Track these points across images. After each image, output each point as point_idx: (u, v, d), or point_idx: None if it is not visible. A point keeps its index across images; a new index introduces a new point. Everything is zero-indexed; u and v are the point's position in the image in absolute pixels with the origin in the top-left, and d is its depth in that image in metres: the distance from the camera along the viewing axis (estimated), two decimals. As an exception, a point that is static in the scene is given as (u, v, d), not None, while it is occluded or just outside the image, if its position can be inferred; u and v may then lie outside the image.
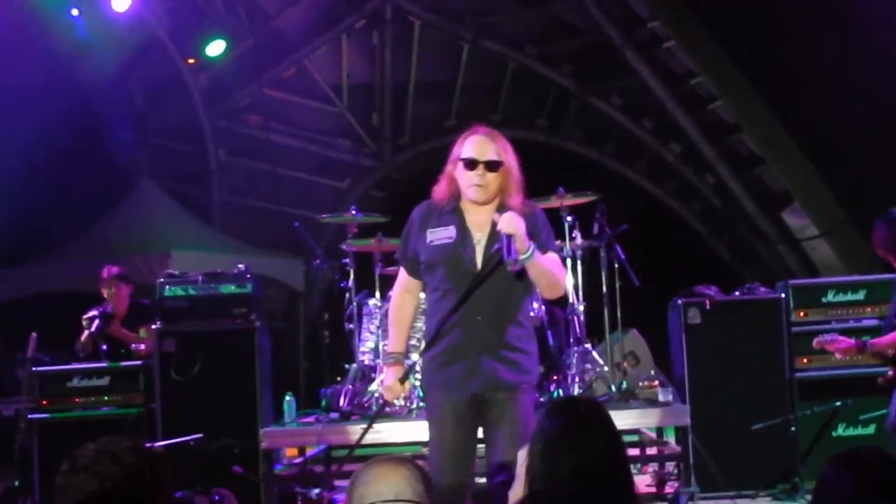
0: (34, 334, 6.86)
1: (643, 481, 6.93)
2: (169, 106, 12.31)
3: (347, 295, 7.43)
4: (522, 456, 2.96)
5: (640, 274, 7.56)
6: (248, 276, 7.11)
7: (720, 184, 12.73)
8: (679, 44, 11.81)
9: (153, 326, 6.95)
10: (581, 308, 7.43)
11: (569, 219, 7.39)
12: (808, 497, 6.39)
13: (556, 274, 4.46)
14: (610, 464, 2.80)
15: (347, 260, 7.47)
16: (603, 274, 7.54)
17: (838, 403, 6.79)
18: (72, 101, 10.61)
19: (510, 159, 4.46)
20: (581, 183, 7.69)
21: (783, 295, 7.08)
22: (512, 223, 4.24)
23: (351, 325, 7.40)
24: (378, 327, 7.19)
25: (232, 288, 7.05)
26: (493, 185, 4.41)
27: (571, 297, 7.42)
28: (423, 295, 4.78)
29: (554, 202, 7.36)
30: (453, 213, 4.50)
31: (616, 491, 2.79)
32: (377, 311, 7.27)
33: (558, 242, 7.45)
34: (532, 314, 7.00)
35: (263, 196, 12.63)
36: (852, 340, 5.89)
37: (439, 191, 4.55)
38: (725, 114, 12.21)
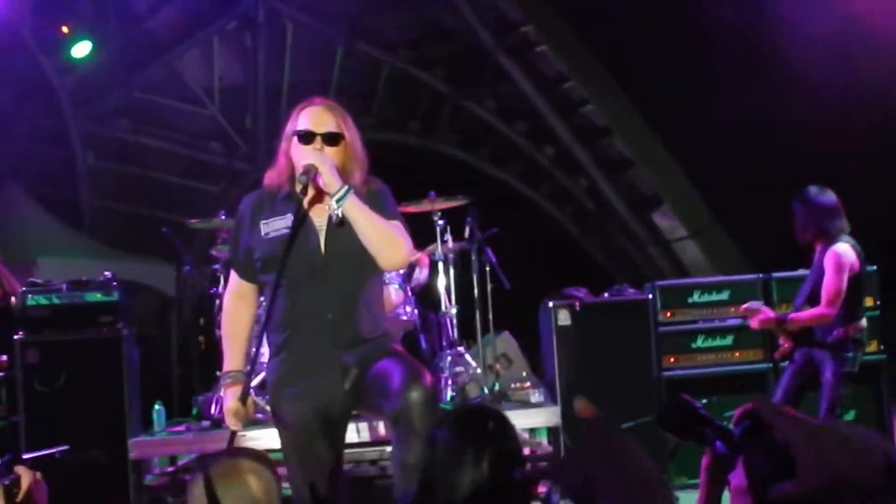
0: None
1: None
2: (35, 108, 11.99)
3: (218, 301, 7.33)
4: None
5: (515, 277, 7.62)
6: (115, 283, 6.94)
7: (593, 186, 12.92)
8: (550, 48, 11.95)
9: (15, 337, 6.77)
10: (453, 311, 7.46)
11: (440, 222, 7.43)
12: (677, 494, 6.51)
13: (389, 230, 3.99)
14: (513, 478, 2.66)
15: (217, 266, 7.36)
16: (475, 277, 7.58)
17: (704, 401, 6.93)
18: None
19: (352, 133, 4.11)
20: (455, 186, 7.72)
21: (650, 296, 7.22)
22: (316, 157, 3.96)
23: (220, 332, 7.29)
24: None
25: (98, 296, 6.88)
26: (334, 161, 4.00)
27: (444, 301, 7.46)
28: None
29: (426, 206, 7.39)
30: (289, 198, 4.05)
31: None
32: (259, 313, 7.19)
33: (431, 247, 7.50)
34: (405, 318, 7.04)
35: (135, 201, 12.40)
36: (773, 313, 6.20)
37: (271, 175, 4.13)
38: (597, 117, 12.40)
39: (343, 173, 4.01)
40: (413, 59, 12.80)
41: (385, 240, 3.98)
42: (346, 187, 3.93)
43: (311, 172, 3.94)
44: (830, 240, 6.12)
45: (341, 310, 4.03)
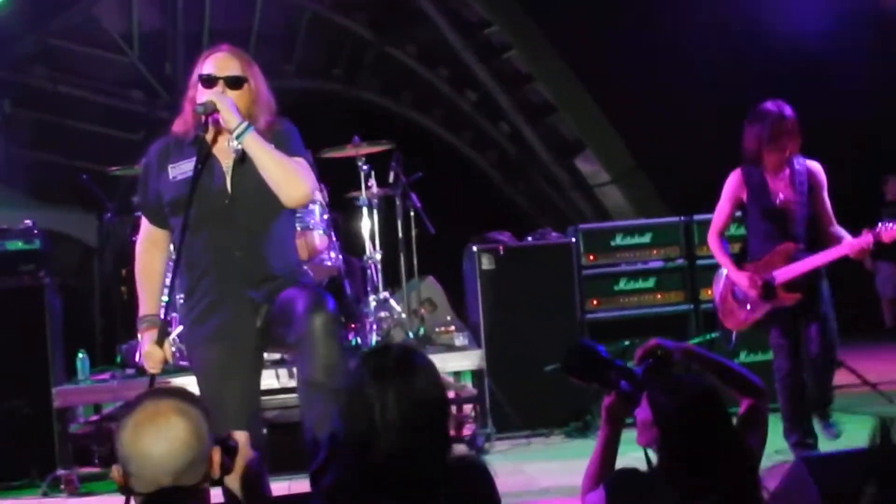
0: None
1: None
2: (-52, 56, 11.72)
3: (140, 249, 7.26)
4: None
5: (438, 222, 7.66)
6: (36, 231, 6.87)
7: (515, 132, 12.96)
8: (471, -7, 11.93)
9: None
10: (377, 257, 7.48)
11: (364, 167, 7.42)
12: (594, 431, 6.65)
13: (290, 166, 3.99)
14: (434, 413, 2.57)
15: (139, 213, 7.28)
16: (399, 222, 7.60)
17: (627, 343, 7.05)
18: None
19: (256, 79, 4.12)
20: (379, 133, 7.73)
21: (573, 239, 7.30)
22: (215, 96, 3.97)
23: (139, 281, 7.25)
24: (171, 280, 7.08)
25: (18, 244, 6.81)
26: (238, 105, 4.00)
27: (368, 246, 7.47)
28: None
29: (349, 151, 7.38)
30: (195, 143, 4.01)
31: (438, 445, 2.59)
32: (170, 264, 7.14)
33: (356, 192, 7.50)
34: (329, 263, 7.05)
35: (54, 150, 12.18)
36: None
37: (179, 122, 4.12)
38: (519, 63, 12.42)
39: (247, 117, 4.02)
40: (334, 5, 12.69)
41: (285, 175, 3.99)
42: (245, 123, 3.95)
43: (209, 107, 3.95)
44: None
45: (249, 248, 4.06)
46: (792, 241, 5.50)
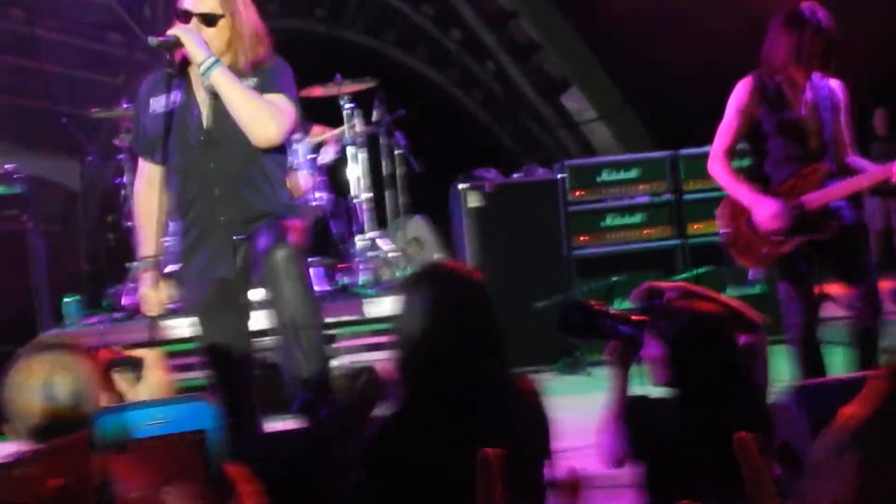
0: None
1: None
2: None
3: (123, 192, 7.23)
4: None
5: (425, 162, 7.63)
6: (17, 176, 6.83)
7: (501, 71, 12.87)
8: (455, -72, 11.81)
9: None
10: (364, 196, 7.44)
11: (348, 106, 7.37)
12: (589, 370, 6.65)
13: (258, 104, 3.95)
14: (492, 340, 2.64)
15: (122, 156, 7.25)
16: (384, 161, 7.56)
17: (614, 279, 7.05)
18: None
19: (240, 13, 4.03)
20: (363, 72, 7.66)
21: (560, 175, 7.26)
22: (180, 29, 3.92)
23: (130, 223, 7.20)
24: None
25: (1, 189, 6.77)
26: (214, 42, 3.96)
27: (354, 185, 7.43)
28: None
29: (332, 89, 7.32)
30: (179, 76, 4.01)
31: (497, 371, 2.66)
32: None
33: (339, 130, 7.43)
34: (315, 203, 7.01)
35: (32, 94, 12.04)
36: None
37: (166, 57, 4.03)
38: (504, 0, 12.31)
39: (223, 54, 3.98)
40: (317, -58, 12.55)
41: (253, 114, 3.95)
42: (211, 59, 3.90)
43: (169, 41, 3.91)
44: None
45: (229, 186, 4.05)
46: (818, 162, 4.65)
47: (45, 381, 2.36)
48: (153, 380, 2.51)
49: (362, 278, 7.15)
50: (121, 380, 2.49)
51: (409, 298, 2.65)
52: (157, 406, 2.03)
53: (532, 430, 2.66)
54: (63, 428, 2.35)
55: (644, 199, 7.35)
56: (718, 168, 4.76)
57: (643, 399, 2.99)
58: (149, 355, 2.54)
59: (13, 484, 2.18)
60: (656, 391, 2.99)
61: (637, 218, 7.35)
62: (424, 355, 2.56)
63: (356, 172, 7.44)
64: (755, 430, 2.56)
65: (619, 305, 7.29)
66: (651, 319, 2.99)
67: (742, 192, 4.70)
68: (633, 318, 3.04)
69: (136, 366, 2.51)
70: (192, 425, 2.03)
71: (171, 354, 5.50)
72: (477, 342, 2.56)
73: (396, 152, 7.58)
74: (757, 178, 4.76)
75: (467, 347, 2.54)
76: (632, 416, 2.93)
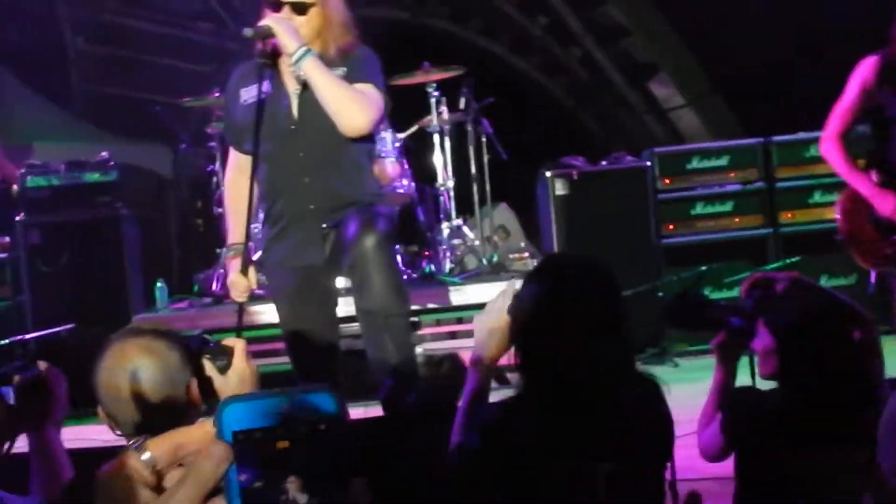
0: None
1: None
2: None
3: (215, 179, 7.33)
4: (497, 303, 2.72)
5: (510, 149, 7.60)
6: (112, 163, 6.98)
7: (587, 56, 12.78)
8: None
9: (17, 218, 6.80)
10: (450, 183, 7.44)
11: (435, 94, 7.37)
12: (676, 360, 6.59)
13: (348, 93, 3.98)
14: (618, 320, 2.60)
15: (213, 144, 7.35)
16: (471, 148, 7.56)
17: (703, 268, 6.96)
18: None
19: (330, 2, 4.07)
20: (448, 59, 7.66)
21: (649, 163, 7.19)
22: (272, 20, 3.96)
23: (220, 210, 7.30)
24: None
25: (96, 176, 6.92)
26: (303, 30, 3.99)
27: (440, 173, 7.44)
28: None
29: (419, 77, 7.33)
30: (257, 68, 4.04)
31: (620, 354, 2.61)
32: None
33: (428, 118, 7.44)
34: (401, 191, 7.03)
35: (125, 83, 12.26)
36: None
37: (258, 47, 4.07)
38: (591, -15, 12.22)
39: (314, 42, 4.00)
40: (403, -69, 12.56)
41: (342, 103, 3.98)
42: (303, 49, 3.92)
43: (261, 31, 3.95)
44: None
45: (318, 174, 4.09)
46: None
47: (135, 365, 2.40)
48: (240, 369, 2.54)
49: (447, 266, 7.16)
50: (209, 367, 2.52)
51: (534, 287, 2.62)
52: (280, 396, 2.04)
53: (654, 429, 2.62)
54: (151, 413, 2.39)
55: (735, 187, 7.23)
56: (833, 152, 4.46)
57: (750, 390, 2.94)
58: (237, 344, 2.57)
59: (135, 471, 2.22)
60: (764, 384, 2.94)
61: (727, 206, 7.23)
62: (546, 345, 2.54)
63: (442, 160, 7.45)
64: (869, 426, 2.51)
65: (711, 295, 7.23)
66: (763, 311, 2.94)
67: (860, 181, 4.39)
68: (745, 309, 2.99)
69: (224, 354, 2.54)
70: (316, 416, 2.04)
71: (258, 340, 5.62)
72: (601, 334, 2.53)
73: (483, 140, 7.56)
74: (879, 165, 4.42)
75: (592, 339, 2.52)
76: (737, 408, 2.87)
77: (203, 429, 2.24)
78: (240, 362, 2.53)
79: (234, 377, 2.52)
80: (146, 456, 2.24)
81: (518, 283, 2.66)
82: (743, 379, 3.06)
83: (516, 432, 2.51)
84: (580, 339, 2.51)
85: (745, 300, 3.04)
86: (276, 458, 2.00)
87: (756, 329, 2.90)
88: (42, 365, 2.71)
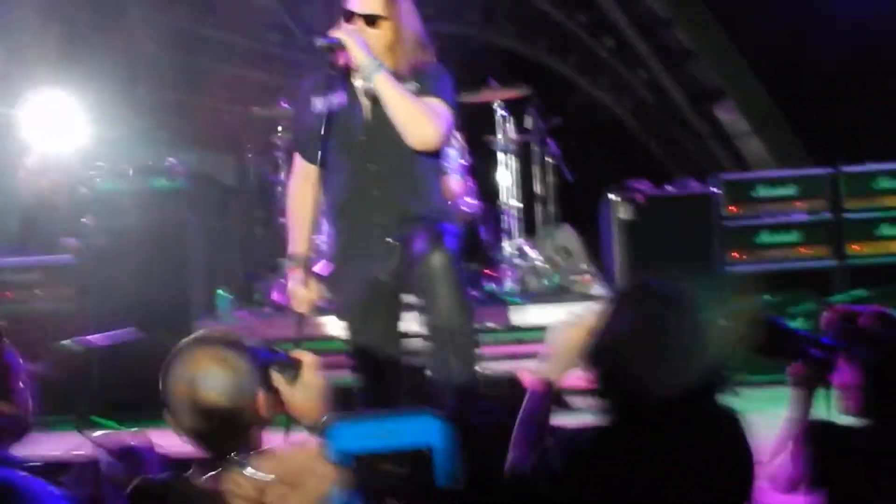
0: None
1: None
2: (93, -1, 11.97)
3: (280, 189, 7.37)
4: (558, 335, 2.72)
5: (574, 169, 7.58)
6: (179, 170, 7.03)
7: (653, 79, 12.72)
8: (613, -63, 11.72)
9: (85, 221, 6.87)
10: (514, 203, 7.43)
11: (501, 113, 7.37)
12: (738, 389, 6.50)
13: (417, 108, 3.99)
14: (703, 354, 2.55)
15: (279, 153, 7.39)
16: (536, 169, 7.54)
17: (768, 297, 6.88)
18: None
19: (402, 15, 4.08)
20: (515, 78, 7.66)
21: (714, 190, 7.13)
22: (345, 33, 3.97)
23: (283, 219, 7.33)
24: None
25: (163, 182, 6.98)
26: (375, 43, 4.00)
27: (504, 192, 7.43)
28: None
29: (485, 95, 7.33)
30: (342, 78, 4.08)
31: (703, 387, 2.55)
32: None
33: (493, 137, 7.45)
34: (465, 209, 7.03)
35: (193, 90, 12.39)
36: None
37: (330, 58, 4.07)
38: (659, 8, 12.16)
39: (385, 55, 4.01)
40: (472, -50, 12.58)
41: (411, 118, 3.98)
42: (375, 63, 3.93)
43: (334, 43, 3.95)
44: None
45: (387, 187, 4.08)
46: None
47: (205, 373, 2.41)
48: (310, 381, 2.53)
49: (508, 285, 7.14)
50: (278, 379, 2.52)
51: (620, 312, 2.59)
52: (385, 420, 2.03)
53: (739, 461, 2.58)
54: (219, 422, 2.40)
55: (801, 217, 7.15)
56: None
57: (828, 425, 2.88)
58: (306, 357, 2.57)
59: (238, 486, 2.22)
60: (842, 419, 2.89)
61: (793, 236, 7.15)
62: (631, 374, 2.50)
63: (506, 179, 7.44)
64: None
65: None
66: (845, 344, 2.89)
67: None
68: (826, 342, 2.94)
69: (294, 366, 2.54)
70: (420, 441, 2.04)
71: (318, 352, 5.63)
72: (687, 365, 2.50)
73: (548, 160, 7.54)
74: None
75: (677, 367, 2.48)
76: (814, 442, 2.82)
77: (307, 447, 2.24)
78: (309, 375, 2.53)
79: (303, 389, 2.52)
80: (249, 471, 2.24)
81: (599, 307, 2.63)
82: (818, 411, 3.01)
83: (606, 463, 2.47)
84: (665, 367, 2.47)
85: (826, 332, 2.99)
86: (380, 481, 1.99)
87: (836, 362, 2.85)
88: (301, 356, 2.64)
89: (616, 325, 2.55)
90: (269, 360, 2.54)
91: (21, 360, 2.64)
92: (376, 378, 4.21)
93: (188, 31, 12.27)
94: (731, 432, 2.57)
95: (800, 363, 2.97)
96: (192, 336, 2.57)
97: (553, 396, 2.77)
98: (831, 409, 2.92)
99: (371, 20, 4.04)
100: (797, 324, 6.92)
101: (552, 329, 2.78)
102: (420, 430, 2.03)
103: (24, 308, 6.79)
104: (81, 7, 11.67)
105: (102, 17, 11.94)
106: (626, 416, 2.49)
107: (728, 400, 2.57)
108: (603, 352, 2.55)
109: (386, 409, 4.12)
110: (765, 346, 3.02)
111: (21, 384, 2.62)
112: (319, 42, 4.03)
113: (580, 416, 2.74)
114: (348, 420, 2.10)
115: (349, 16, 4.05)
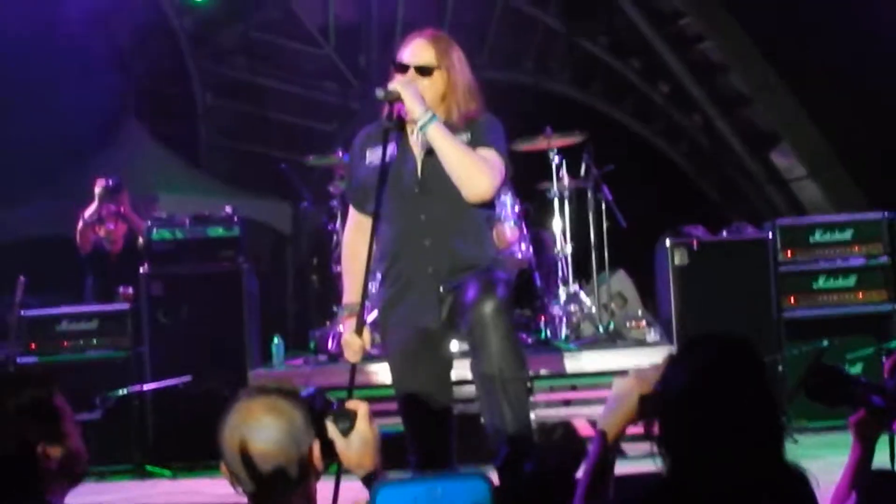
0: (22, 278, 6.86)
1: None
2: (155, 48, 12.19)
3: (335, 237, 7.41)
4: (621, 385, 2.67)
5: (628, 214, 7.56)
6: (236, 218, 7.10)
7: (708, 123, 12.70)
8: (667, -18, 11.75)
9: (140, 270, 6.95)
10: (568, 249, 7.42)
11: (556, 159, 7.38)
12: (796, 436, 6.43)
13: (471, 159, 3.98)
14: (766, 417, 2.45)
15: (335, 202, 7.44)
16: (590, 214, 7.53)
17: (825, 343, 6.79)
18: (57, 42, 10.50)
19: (454, 66, 4.10)
20: (568, 124, 7.67)
21: (770, 235, 7.06)
22: (400, 84, 3.98)
23: (339, 268, 7.37)
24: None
25: (219, 231, 7.04)
26: (428, 94, 4.02)
27: (559, 239, 7.42)
28: None
29: (541, 143, 7.36)
30: (382, 131, 4.04)
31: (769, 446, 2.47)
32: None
33: (547, 184, 7.45)
34: (519, 255, 7.03)
35: (250, 139, 12.56)
36: None
37: (384, 109, 4.10)
38: (714, 53, 12.16)
39: (438, 106, 4.04)
40: (527, -4, 12.68)
41: (465, 170, 3.98)
42: (429, 114, 3.95)
43: (390, 94, 3.97)
44: None
45: (438, 237, 4.08)
46: None
47: (261, 423, 2.41)
48: (363, 432, 2.53)
49: (563, 332, 7.11)
50: (332, 430, 2.52)
51: (681, 367, 2.56)
52: (433, 480, 2.03)
53: None
54: (274, 472, 2.40)
55: (859, 262, 7.06)
56: None
57: (891, 474, 2.82)
58: (360, 407, 2.56)
59: None
60: None
61: (851, 281, 7.06)
62: (693, 427, 2.46)
63: (561, 225, 7.44)
64: None
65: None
66: None
67: None
68: (889, 388, 2.89)
69: (348, 417, 2.54)
70: (468, 502, 2.03)
71: (371, 399, 5.64)
72: (751, 418, 2.45)
73: (602, 206, 7.53)
74: None
75: (741, 423, 2.44)
76: (876, 491, 2.75)
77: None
78: (363, 426, 2.53)
79: (357, 440, 2.51)
80: None
81: (662, 358, 2.60)
82: (880, 459, 2.95)
83: None
84: (730, 423, 2.43)
85: (889, 379, 2.93)
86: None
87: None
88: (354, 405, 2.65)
89: (679, 377, 2.52)
90: (323, 409, 2.54)
91: (70, 407, 2.66)
92: (425, 426, 4.21)
93: (245, 81, 12.46)
94: (797, 491, 2.52)
95: (862, 411, 2.92)
96: (249, 387, 2.57)
97: (615, 449, 2.74)
98: (895, 457, 2.86)
99: (424, 71, 4.06)
100: (856, 369, 6.85)
101: (615, 382, 2.75)
102: (469, 494, 2.01)
103: (80, 357, 6.86)
104: (142, 57, 11.92)
105: (162, 68, 12.18)
106: (689, 468, 2.45)
107: (790, 451, 2.50)
108: (666, 404, 2.52)
109: (436, 457, 4.12)
110: (826, 394, 2.97)
111: (73, 429, 2.63)
112: (378, 92, 4.05)
113: (641, 465, 2.68)
114: (398, 481, 2.08)
115: (402, 67, 4.10)
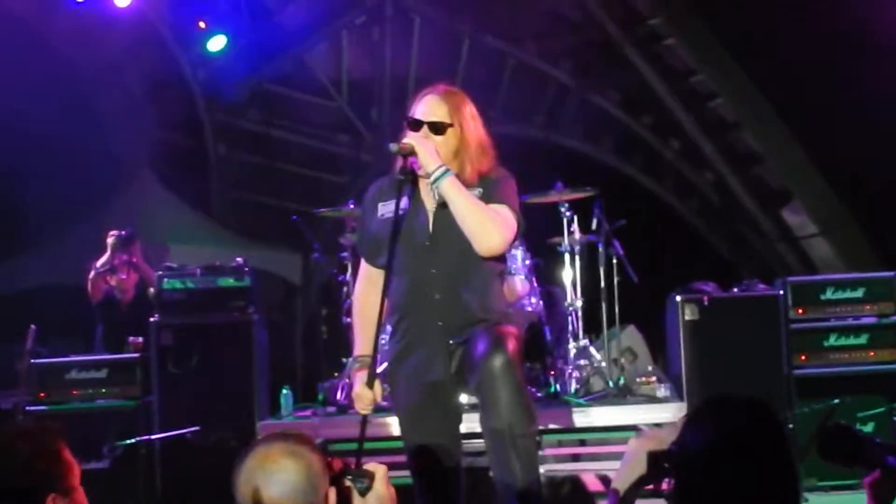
0: (33, 327, 6.88)
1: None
2: (168, 100, 12.28)
3: (345, 289, 7.42)
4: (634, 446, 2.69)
5: (639, 269, 7.56)
6: (247, 269, 7.11)
7: (719, 180, 12.72)
8: (679, 41, 11.80)
9: (151, 319, 6.95)
10: (579, 303, 7.41)
11: (567, 214, 7.39)
12: (806, 496, 6.37)
13: (484, 214, 3.99)
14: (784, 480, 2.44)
15: (346, 254, 7.46)
16: (601, 269, 7.53)
17: (836, 401, 6.75)
18: (71, 93, 10.60)
19: (467, 122, 4.12)
20: (579, 179, 7.69)
21: (781, 292, 7.04)
22: (415, 139, 4.01)
23: (349, 319, 7.38)
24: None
25: (230, 281, 7.05)
26: (441, 150, 4.03)
27: (569, 293, 7.42)
28: None
29: (552, 197, 7.37)
30: (395, 185, 4.07)
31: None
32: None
33: (558, 238, 7.47)
34: (529, 309, 7.02)
35: (262, 190, 12.62)
36: None
37: (396, 162, 4.11)
38: (726, 111, 12.20)
39: (451, 162, 4.05)
40: (538, 52, 12.74)
41: (478, 225, 4.00)
42: (443, 168, 3.98)
43: (404, 149, 3.99)
44: None
45: (448, 291, 4.09)
46: None
47: (279, 466, 2.41)
48: (381, 493, 2.53)
49: (572, 386, 7.09)
50: (351, 488, 2.52)
51: (696, 428, 2.54)
52: None
53: None
54: None
55: (870, 320, 7.03)
56: None
57: None
58: (378, 469, 2.56)
59: None
60: None
61: (862, 339, 7.03)
62: (712, 487, 2.44)
63: (571, 279, 7.44)
64: None
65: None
66: None
67: None
68: None
69: (366, 477, 2.54)
70: None
71: (380, 452, 5.61)
72: (771, 481, 2.43)
73: (613, 261, 7.53)
74: None
75: (761, 486, 2.41)
76: None
77: None
78: (380, 487, 2.53)
79: (374, 501, 2.51)
80: None
81: (675, 416, 2.59)
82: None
83: None
84: (750, 485, 2.41)
85: None
86: None
87: None
88: (373, 468, 2.65)
89: (699, 437, 2.50)
90: (343, 469, 2.54)
91: (78, 458, 2.66)
92: (435, 479, 4.19)
93: (258, 133, 12.54)
94: None
95: (877, 471, 2.90)
96: (262, 437, 2.57)
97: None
98: None
99: (437, 128, 4.09)
100: (867, 428, 6.80)
101: (630, 441, 2.74)
102: None
103: (89, 405, 6.85)
104: (156, 108, 12.01)
105: (175, 119, 12.26)
106: None
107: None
108: (683, 463, 2.50)
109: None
110: (840, 454, 2.95)
111: (78, 483, 2.63)
112: (392, 146, 4.07)
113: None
114: None
115: (416, 124, 4.12)
